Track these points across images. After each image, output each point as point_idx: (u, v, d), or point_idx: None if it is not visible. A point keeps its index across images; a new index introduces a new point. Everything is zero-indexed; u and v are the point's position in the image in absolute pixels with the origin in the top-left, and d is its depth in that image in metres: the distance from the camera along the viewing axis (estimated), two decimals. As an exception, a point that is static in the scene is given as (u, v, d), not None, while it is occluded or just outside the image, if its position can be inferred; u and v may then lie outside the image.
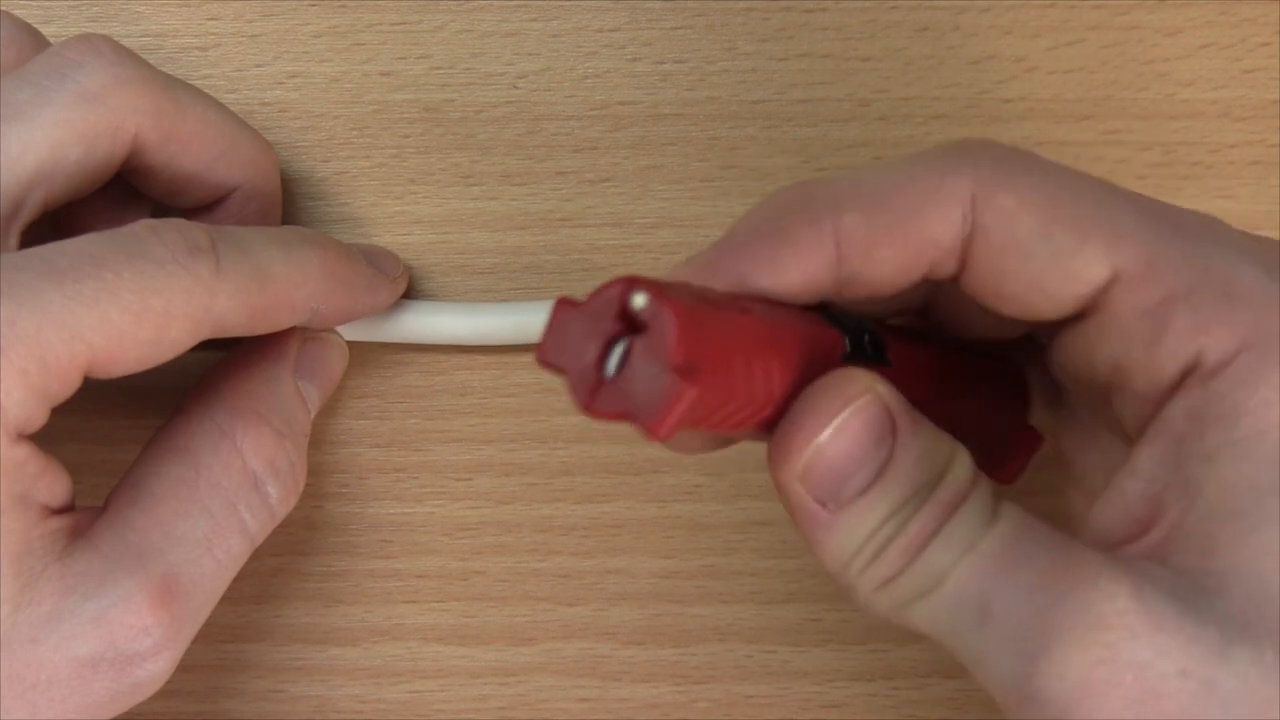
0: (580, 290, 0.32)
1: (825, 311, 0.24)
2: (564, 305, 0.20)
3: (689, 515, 0.33)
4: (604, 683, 0.33)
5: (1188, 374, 0.21)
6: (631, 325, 0.19)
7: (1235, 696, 0.19)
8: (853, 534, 0.21)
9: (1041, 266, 0.22)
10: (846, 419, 0.21)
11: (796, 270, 0.22)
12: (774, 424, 0.22)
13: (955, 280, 0.23)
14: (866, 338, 0.24)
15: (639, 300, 0.19)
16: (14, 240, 0.26)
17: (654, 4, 0.32)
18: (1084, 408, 0.26)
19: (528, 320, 0.31)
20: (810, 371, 0.22)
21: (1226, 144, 0.32)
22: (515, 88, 0.32)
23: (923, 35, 0.32)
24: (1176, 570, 0.21)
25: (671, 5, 0.32)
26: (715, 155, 0.32)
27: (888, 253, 0.22)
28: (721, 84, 0.32)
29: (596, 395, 0.19)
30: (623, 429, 0.32)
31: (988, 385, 0.27)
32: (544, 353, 0.20)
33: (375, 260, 0.31)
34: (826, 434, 0.21)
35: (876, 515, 0.21)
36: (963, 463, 0.22)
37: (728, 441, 0.24)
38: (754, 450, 0.32)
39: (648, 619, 0.33)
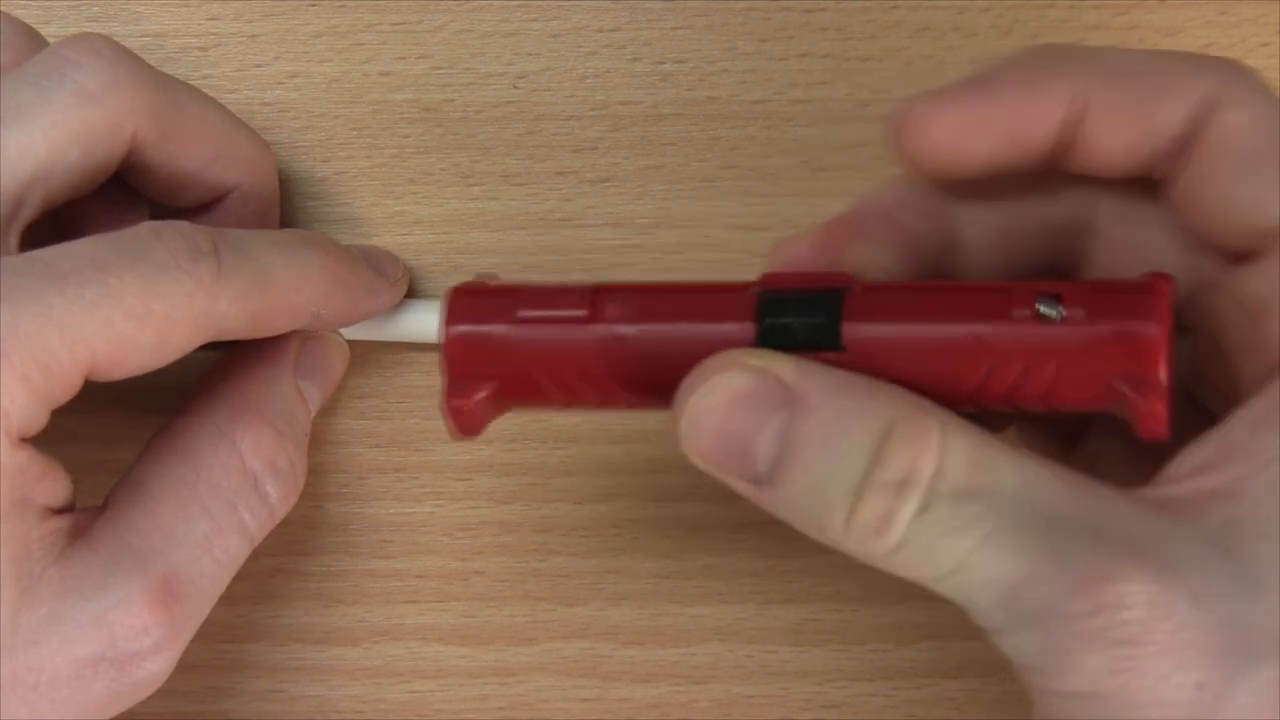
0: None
1: (764, 297, 0.24)
2: None
3: (689, 515, 0.33)
4: (604, 683, 0.33)
5: None
6: None
7: (1245, 712, 0.20)
8: (801, 501, 0.22)
9: (1243, 190, 0.23)
10: (704, 396, 0.22)
11: (1037, 117, 0.24)
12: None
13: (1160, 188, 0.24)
14: (799, 329, 0.23)
15: None
16: (14, 241, 0.26)
17: (654, 4, 0.32)
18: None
19: (527, 320, 0.31)
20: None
21: (1226, 144, 0.32)
22: (515, 88, 0.32)
23: (923, 35, 0.32)
24: (1223, 548, 0.20)
25: (671, 5, 0.32)
26: (715, 155, 0.32)
27: (1121, 124, 0.23)
28: (721, 84, 0.32)
29: None
30: (623, 429, 0.33)
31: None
32: None
33: (376, 263, 0.31)
34: (690, 407, 0.23)
35: (808, 480, 0.22)
36: (910, 432, 0.21)
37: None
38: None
39: (648, 619, 0.33)
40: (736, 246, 0.32)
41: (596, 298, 0.24)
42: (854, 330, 0.23)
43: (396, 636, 0.33)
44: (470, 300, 0.25)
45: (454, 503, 0.33)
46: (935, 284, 0.25)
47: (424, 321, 0.32)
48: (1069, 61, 0.24)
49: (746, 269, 0.32)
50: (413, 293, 0.32)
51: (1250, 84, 0.23)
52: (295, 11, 0.32)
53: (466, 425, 0.25)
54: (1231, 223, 0.23)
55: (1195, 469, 0.22)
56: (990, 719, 0.32)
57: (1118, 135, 0.24)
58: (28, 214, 0.26)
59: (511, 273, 0.32)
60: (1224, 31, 0.32)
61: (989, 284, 0.24)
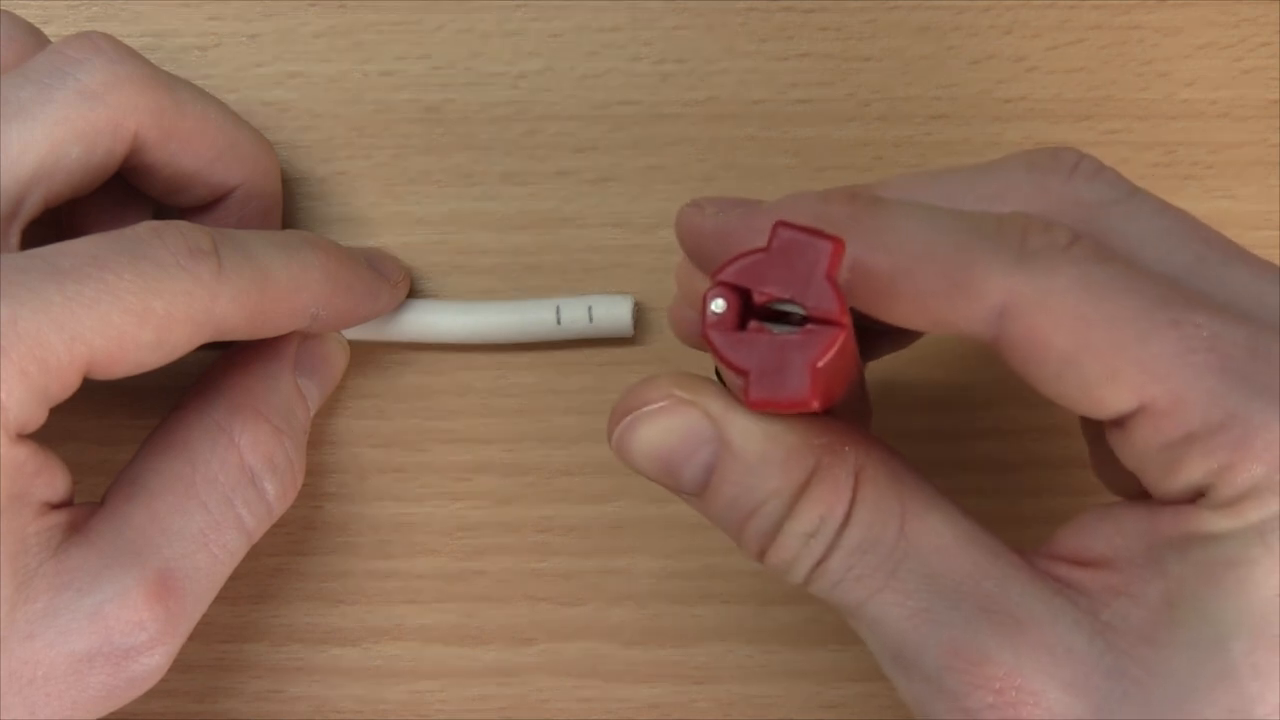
0: (580, 289, 0.32)
1: None
2: None
3: (689, 515, 0.32)
4: (604, 683, 0.33)
5: (1200, 494, 0.21)
6: None
7: None
8: (721, 523, 0.23)
9: (1066, 388, 0.21)
10: (631, 424, 0.24)
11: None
12: None
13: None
14: None
15: None
16: (15, 239, 0.26)
17: (654, 4, 0.32)
18: None
19: (528, 320, 0.31)
20: None
21: (1226, 144, 0.32)
22: (515, 88, 0.33)
23: (923, 35, 0.32)
24: (1106, 641, 0.21)
25: (671, 5, 0.32)
26: (715, 155, 0.32)
27: (905, 311, 0.21)
28: (721, 84, 0.32)
29: None
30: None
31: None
32: None
33: (377, 264, 0.31)
34: (619, 431, 0.24)
35: (729, 514, 0.23)
36: (824, 486, 0.22)
37: None
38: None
39: (648, 619, 0.33)
40: (736, 246, 0.32)
41: None
42: None
43: (396, 636, 0.33)
44: None
45: (454, 503, 0.33)
46: None
47: (424, 322, 0.32)
48: (858, 228, 0.21)
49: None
50: (413, 293, 0.32)
51: (1046, 271, 0.21)
52: (295, 11, 0.33)
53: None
54: (1066, 406, 0.21)
55: (1096, 559, 0.22)
56: None
57: (895, 317, 0.22)
58: (29, 212, 0.27)
59: (512, 272, 0.32)
60: (1224, 31, 0.32)
61: None
